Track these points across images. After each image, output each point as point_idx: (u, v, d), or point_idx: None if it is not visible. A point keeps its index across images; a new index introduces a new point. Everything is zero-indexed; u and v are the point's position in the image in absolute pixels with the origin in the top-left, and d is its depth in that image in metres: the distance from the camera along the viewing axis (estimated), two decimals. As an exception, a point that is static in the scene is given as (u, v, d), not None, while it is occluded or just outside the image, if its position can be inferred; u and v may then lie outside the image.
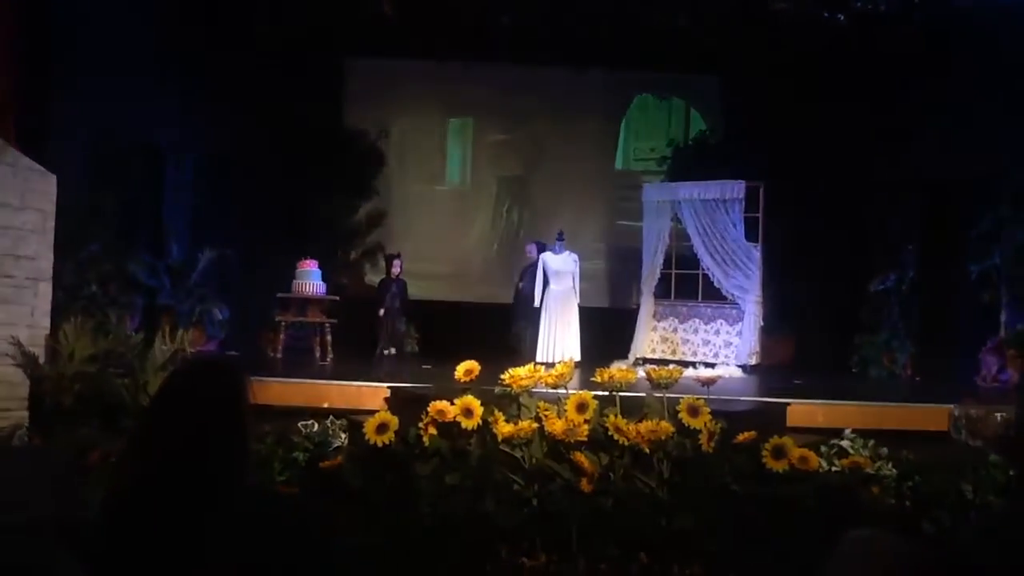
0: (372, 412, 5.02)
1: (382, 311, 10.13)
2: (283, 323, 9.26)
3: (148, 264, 9.20)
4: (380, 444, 4.67)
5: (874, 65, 9.78)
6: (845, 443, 5.16)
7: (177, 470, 1.89)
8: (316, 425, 5.26)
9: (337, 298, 9.68)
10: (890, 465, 4.95)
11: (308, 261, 9.50)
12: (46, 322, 5.96)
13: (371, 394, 6.10)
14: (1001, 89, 8.68)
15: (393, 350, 10.11)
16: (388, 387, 6.02)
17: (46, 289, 5.96)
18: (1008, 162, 8.66)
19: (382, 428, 4.69)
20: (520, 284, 10.21)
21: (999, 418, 5.90)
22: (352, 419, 5.34)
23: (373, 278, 11.76)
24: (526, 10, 9.95)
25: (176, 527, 1.87)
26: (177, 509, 1.88)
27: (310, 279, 9.38)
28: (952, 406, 6.33)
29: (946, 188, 9.66)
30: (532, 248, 10.07)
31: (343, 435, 5.16)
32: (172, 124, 9.77)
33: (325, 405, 5.95)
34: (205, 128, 10.13)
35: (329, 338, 9.19)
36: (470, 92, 12.00)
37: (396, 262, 10.39)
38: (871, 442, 5.20)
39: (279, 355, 9.05)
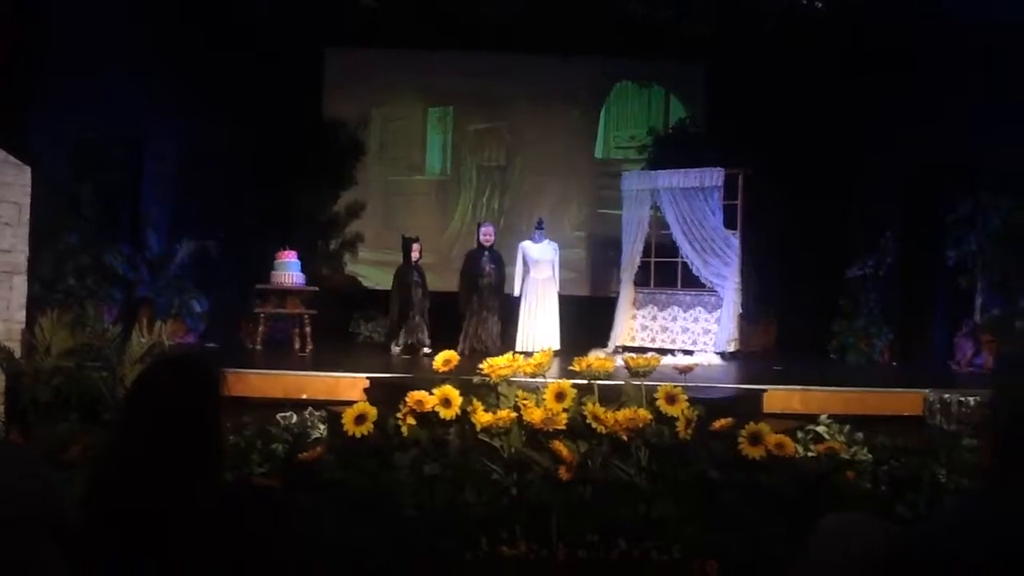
0: (351, 403, 5.04)
1: (399, 302, 9.14)
2: (262, 314, 9.22)
3: (127, 256, 9.15)
4: (359, 435, 4.68)
5: (853, 53, 9.83)
6: (821, 429, 5.21)
7: (150, 466, 1.90)
8: (295, 417, 5.26)
9: (316, 289, 9.65)
10: (865, 450, 5.00)
11: (287, 252, 9.45)
12: (22, 316, 5.93)
13: (350, 385, 6.10)
14: (978, 75, 8.74)
15: (426, 344, 8.86)
16: (367, 378, 6.01)
17: (21, 282, 5.93)
18: (985, 148, 8.73)
19: (361, 419, 4.71)
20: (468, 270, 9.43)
21: (973, 402, 5.97)
22: (331, 410, 5.34)
23: (353, 268, 11.75)
24: (506, -2, 9.94)
25: (153, 522, 1.88)
26: (153, 504, 1.89)
27: (289, 270, 9.33)
28: (927, 391, 6.40)
29: (924, 175, 9.74)
30: (489, 230, 9.51)
31: (322, 426, 5.16)
32: (151, 115, 9.70)
33: (304, 396, 5.94)
34: (184, 119, 10.07)
35: (308, 329, 9.16)
36: (450, 81, 11.97)
37: (415, 246, 9.34)
38: (847, 427, 5.26)
39: (258, 346, 9.02)
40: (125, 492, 1.89)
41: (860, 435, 5.15)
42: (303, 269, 9.53)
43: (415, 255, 9.34)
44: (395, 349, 9.02)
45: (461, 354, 8.12)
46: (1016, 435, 1.95)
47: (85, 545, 1.91)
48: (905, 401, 6.46)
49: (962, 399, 6.11)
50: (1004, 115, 8.44)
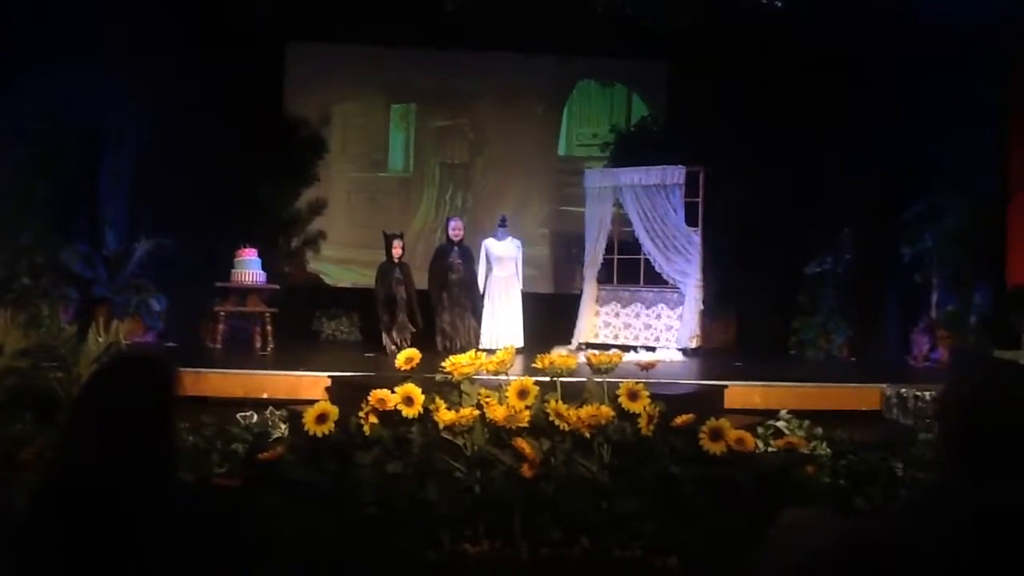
0: (313, 402, 4.99)
1: (384, 301, 9.06)
2: (222, 313, 9.13)
3: (83, 254, 9.01)
4: (320, 434, 4.63)
5: (811, 53, 9.94)
6: (781, 424, 5.27)
7: (102, 467, 1.87)
8: (256, 416, 5.21)
9: (278, 287, 9.57)
10: (824, 445, 5.06)
11: (247, 249, 9.37)
12: (-27, 315, 5.81)
13: (312, 384, 6.06)
14: (934, 76, 8.88)
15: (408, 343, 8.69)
16: (329, 377, 5.97)
17: (-27, 281, 5.82)
18: (939, 148, 8.88)
19: (322, 418, 4.66)
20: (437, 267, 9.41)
21: (929, 397, 6.07)
22: (292, 409, 5.30)
23: (315, 266, 11.66)
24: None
25: (104, 523, 1.85)
26: (104, 505, 1.86)
27: (249, 268, 9.25)
28: (884, 386, 6.50)
29: (881, 174, 9.88)
30: (458, 224, 9.48)
31: (283, 426, 5.12)
32: (109, 111, 9.56)
33: (265, 395, 5.90)
34: (143, 115, 9.92)
35: (270, 328, 9.09)
36: (413, 78, 11.93)
37: (397, 243, 9.23)
38: (806, 422, 5.32)
39: (219, 345, 8.93)
40: (75, 493, 1.86)
41: (819, 430, 5.22)
42: (264, 267, 9.46)
43: (396, 252, 9.24)
44: (391, 348, 8.77)
45: (440, 353, 8.11)
46: (966, 429, 1.98)
47: (33, 547, 1.87)
48: (863, 396, 6.57)
49: (918, 394, 6.22)
50: (958, 115, 8.60)
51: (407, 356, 5.04)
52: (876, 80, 9.62)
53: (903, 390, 6.34)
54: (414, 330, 9.04)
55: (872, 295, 10.04)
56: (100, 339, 5.68)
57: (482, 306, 9.38)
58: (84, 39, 8.77)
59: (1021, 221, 8.34)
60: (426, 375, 4.97)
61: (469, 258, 9.34)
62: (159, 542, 1.86)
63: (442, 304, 9.14)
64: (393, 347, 8.77)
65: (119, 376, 2.00)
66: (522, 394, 4.78)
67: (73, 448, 1.94)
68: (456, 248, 9.30)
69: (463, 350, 7.41)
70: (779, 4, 9.82)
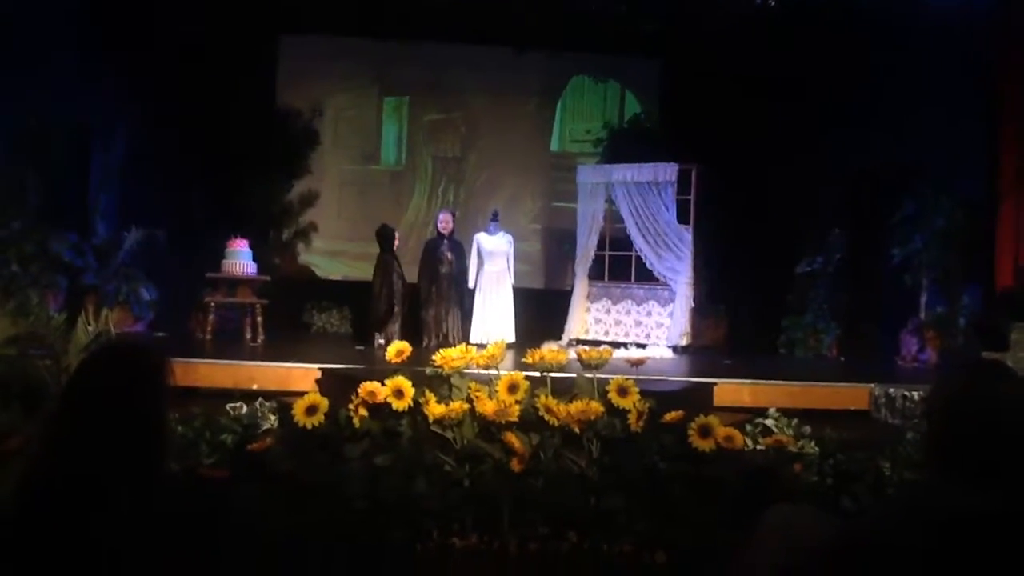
0: (303, 393, 4.97)
1: (386, 294, 8.91)
2: (212, 303, 9.10)
3: (72, 243, 8.96)
4: (310, 426, 4.63)
5: (803, 53, 9.95)
6: (770, 422, 5.28)
7: (90, 456, 1.86)
8: (245, 407, 5.20)
9: (268, 278, 9.55)
10: (812, 443, 5.08)
11: (238, 240, 9.34)
12: (-38, 303, 5.79)
13: (302, 375, 6.06)
14: (925, 78, 8.92)
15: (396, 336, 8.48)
16: (319, 368, 5.97)
17: (-38, 269, 5.78)
18: (929, 149, 8.91)
19: (311, 410, 4.66)
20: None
21: (917, 397, 6.10)
22: (282, 401, 5.30)
23: (306, 258, 11.65)
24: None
25: (91, 514, 1.84)
26: (92, 495, 1.85)
27: (240, 259, 9.23)
28: (873, 385, 6.52)
29: (872, 174, 9.91)
30: (446, 217, 9.44)
31: (272, 417, 5.11)
32: (100, 100, 9.53)
33: (255, 387, 5.89)
34: (134, 104, 9.89)
35: (260, 319, 9.07)
36: (406, 71, 11.91)
37: (397, 235, 9.29)
38: (795, 421, 5.34)
39: (208, 336, 8.90)
40: (62, 482, 1.85)
41: (808, 429, 5.24)
42: (255, 258, 9.43)
43: (397, 244, 9.26)
44: (379, 341, 8.70)
45: (425, 348, 8.12)
46: (948, 429, 2.00)
47: (19, 537, 1.86)
48: (851, 396, 6.59)
49: (907, 394, 6.25)
50: (948, 117, 8.64)
51: (398, 349, 5.04)
52: (866, 80, 9.64)
53: (891, 390, 6.36)
54: (399, 321, 9.02)
55: (862, 295, 10.08)
56: (89, 328, 5.64)
57: (470, 301, 9.37)
58: (73, 33, 8.74)
59: (1010, 223, 8.38)
60: (416, 368, 4.97)
61: (458, 252, 9.32)
62: (146, 533, 1.85)
63: (429, 299, 9.13)
64: (381, 340, 8.67)
65: (108, 365, 1.98)
66: (512, 389, 4.79)
67: (61, 437, 1.93)
68: (446, 241, 9.29)
69: (447, 344, 7.42)
70: (772, 3, 9.85)
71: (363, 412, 4.71)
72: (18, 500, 1.91)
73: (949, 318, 8.68)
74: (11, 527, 1.87)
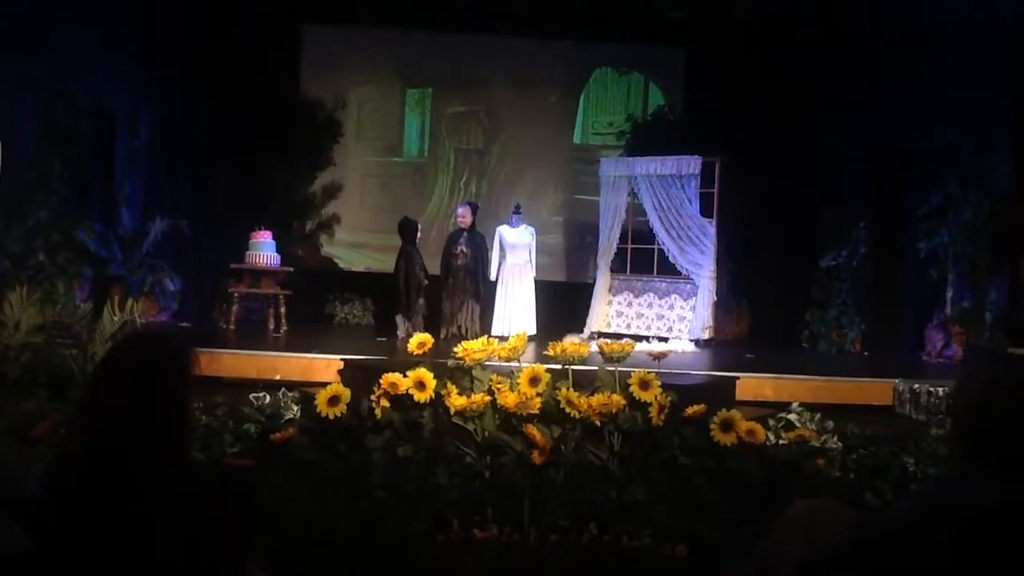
0: (325, 384, 5.01)
1: (412, 286, 8.95)
2: (236, 294, 9.16)
3: (98, 233, 9.03)
4: (332, 416, 4.66)
5: (829, 42, 9.85)
6: (792, 417, 5.25)
7: (115, 444, 1.88)
8: (268, 397, 5.24)
9: (291, 269, 9.60)
10: (835, 438, 5.05)
11: (262, 232, 9.39)
12: (-10, 291, 5.85)
13: (324, 366, 6.09)
14: (951, 69, 8.81)
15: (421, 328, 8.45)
16: (341, 359, 6.00)
17: (-10, 258, 5.85)
18: (956, 141, 8.81)
19: (334, 400, 4.69)
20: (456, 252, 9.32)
21: (942, 393, 6.05)
22: (304, 391, 5.33)
23: (329, 250, 11.69)
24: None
25: (117, 500, 1.87)
26: (117, 482, 1.87)
27: (264, 250, 9.28)
28: (897, 381, 6.47)
29: (898, 166, 9.81)
30: (464, 211, 9.45)
31: (295, 407, 5.14)
32: (125, 90, 9.59)
33: (278, 377, 5.92)
34: (159, 95, 9.96)
35: (283, 310, 9.11)
36: (429, 63, 11.90)
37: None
38: (818, 415, 5.31)
39: (232, 326, 8.96)
40: (88, 469, 1.87)
41: (830, 423, 5.20)
42: (278, 250, 9.48)
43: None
44: (405, 327, 8.80)
45: (442, 339, 8.14)
46: (974, 424, 1.98)
47: (47, 522, 1.89)
48: (875, 391, 6.54)
49: (931, 389, 6.19)
50: (976, 108, 8.53)
51: (419, 340, 5.06)
52: (893, 72, 9.54)
53: (916, 385, 6.31)
54: (426, 313, 9.09)
55: (886, 290, 9.98)
56: (115, 317, 5.71)
57: (490, 293, 9.37)
58: (99, 22, 8.79)
59: (1038, 217, 8.26)
60: (438, 360, 4.99)
61: (476, 244, 9.30)
62: (170, 520, 1.87)
63: (446, 290, 9.18)
64: (406, 330, 8.73)
65: (134, 354, 2.01)
66: (534, 381, 4.80)
67: (87, 425, 1.96)
68: (464, 234, 9.30)
69: (461, 337, 7.43)
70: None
71: (385, 403, 4.74)
72: (47, 483, 1.94)
73: (975, 313, 8.56)
74: (40, 509, 1.90)
